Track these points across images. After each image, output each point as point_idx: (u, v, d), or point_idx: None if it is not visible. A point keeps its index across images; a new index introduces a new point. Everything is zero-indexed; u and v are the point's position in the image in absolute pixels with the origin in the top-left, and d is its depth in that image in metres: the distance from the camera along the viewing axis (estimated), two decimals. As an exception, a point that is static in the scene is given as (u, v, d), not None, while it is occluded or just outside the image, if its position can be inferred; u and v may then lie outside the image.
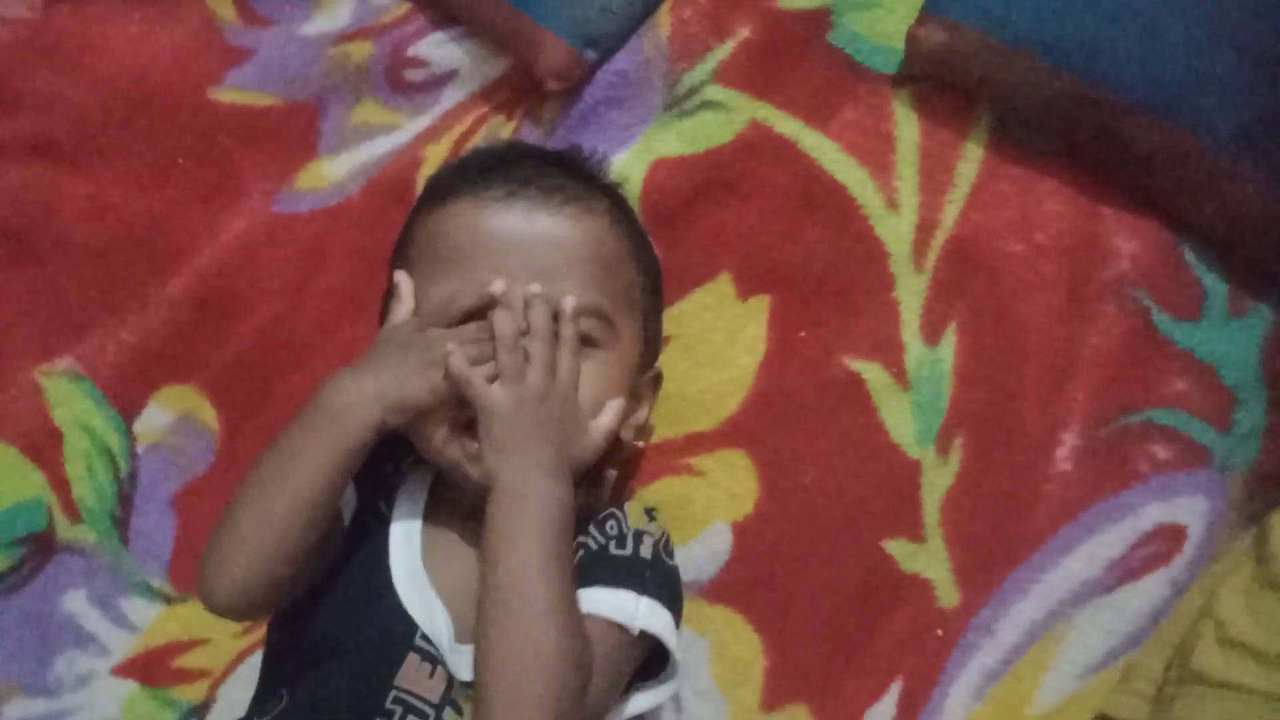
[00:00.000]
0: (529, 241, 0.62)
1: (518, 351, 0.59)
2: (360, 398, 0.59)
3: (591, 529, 0.63)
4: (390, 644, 0.59)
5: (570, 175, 0.66)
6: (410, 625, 0.60)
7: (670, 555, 0.65)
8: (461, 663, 0.59)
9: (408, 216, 0.69)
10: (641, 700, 0.62)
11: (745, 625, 0.69)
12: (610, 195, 0.68)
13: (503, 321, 0.59)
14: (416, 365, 0.60)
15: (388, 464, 0.66)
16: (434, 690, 0.58)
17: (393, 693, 0.58)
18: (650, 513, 0.66)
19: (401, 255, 0.68)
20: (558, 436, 0.59)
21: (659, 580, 0.62)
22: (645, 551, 0.62)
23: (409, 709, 0.58)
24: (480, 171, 0.65)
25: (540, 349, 0.59)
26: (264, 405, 0.80)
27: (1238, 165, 0.65)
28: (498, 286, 0.60)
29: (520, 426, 0.58)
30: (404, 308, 0.63)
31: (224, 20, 0.84)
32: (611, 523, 0.64)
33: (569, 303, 0.61)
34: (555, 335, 0.60)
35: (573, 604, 0.57)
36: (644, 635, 0.60)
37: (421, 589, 0.61)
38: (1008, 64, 0.68)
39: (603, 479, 0.66)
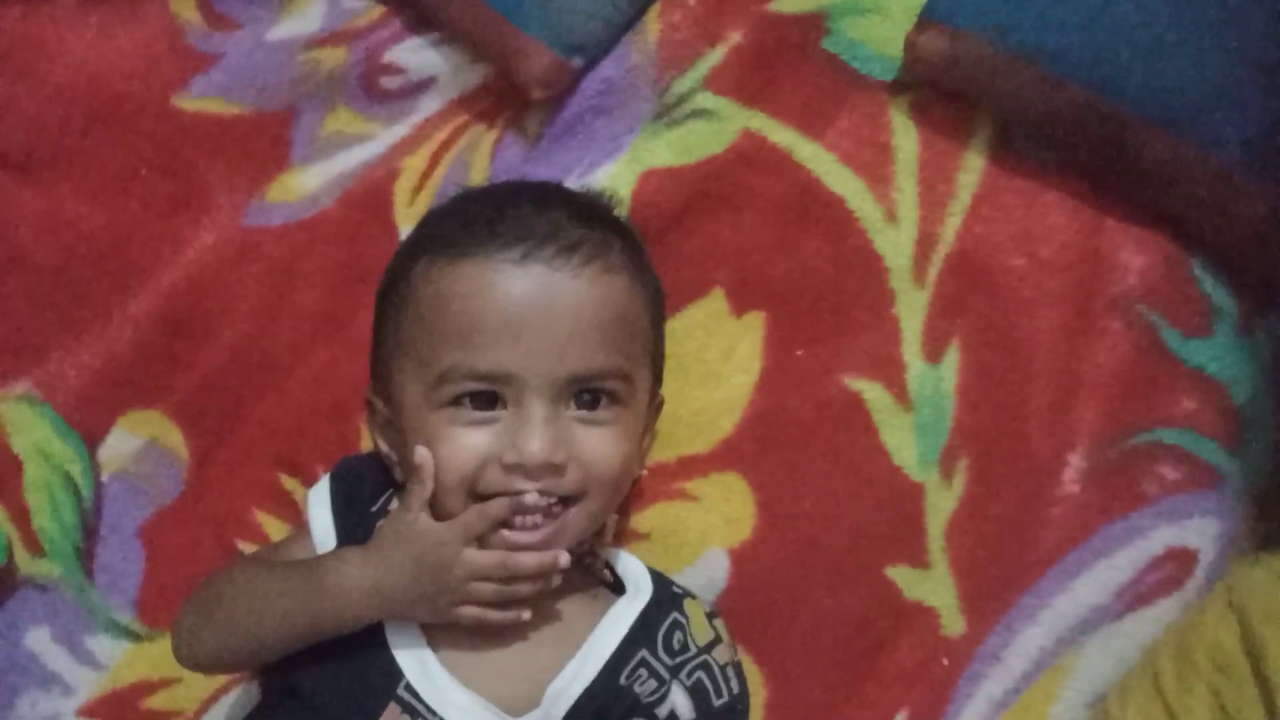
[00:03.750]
0: (548, 311, 0.58)
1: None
2: (361, 597, 0.57)
3: (660, 651, 0.60)
4: (370, 692, 0.57)
5: (585, 223, 0.62)
6: (395, 674, 0.57)
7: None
8: None
9: (399, 260, 0.64)
10: None
11: (744, 656, 0.67)
12: (624, 236, 0.65)
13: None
14: (433, 591, 0.57)
15: (371, 504, 0.63)
16: None
17: None
18: (712, 617, 0.63)
19: (398, 307, 0.62)
20: None
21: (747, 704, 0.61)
22: (735, 685, 0.61)
23: None
24: (488, 223, 0.60)
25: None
26: (235, 431, 0.76)
27: (1247, 179, 0.64)
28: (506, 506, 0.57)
29: None
30: (424, 493, 0.58)
31: (187, 23, 0.80)
32: (678, 636, 0.61)
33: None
34: None
35: None
36: None
37: (413, 638, 0.58)
38: (1010, 73, 0.67)
39: (604, 525, 0.64)
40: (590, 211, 0.64)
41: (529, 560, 0.57)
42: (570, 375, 0.58)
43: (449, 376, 0.58)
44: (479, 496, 0.58)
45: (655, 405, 0.67)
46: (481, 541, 0.57)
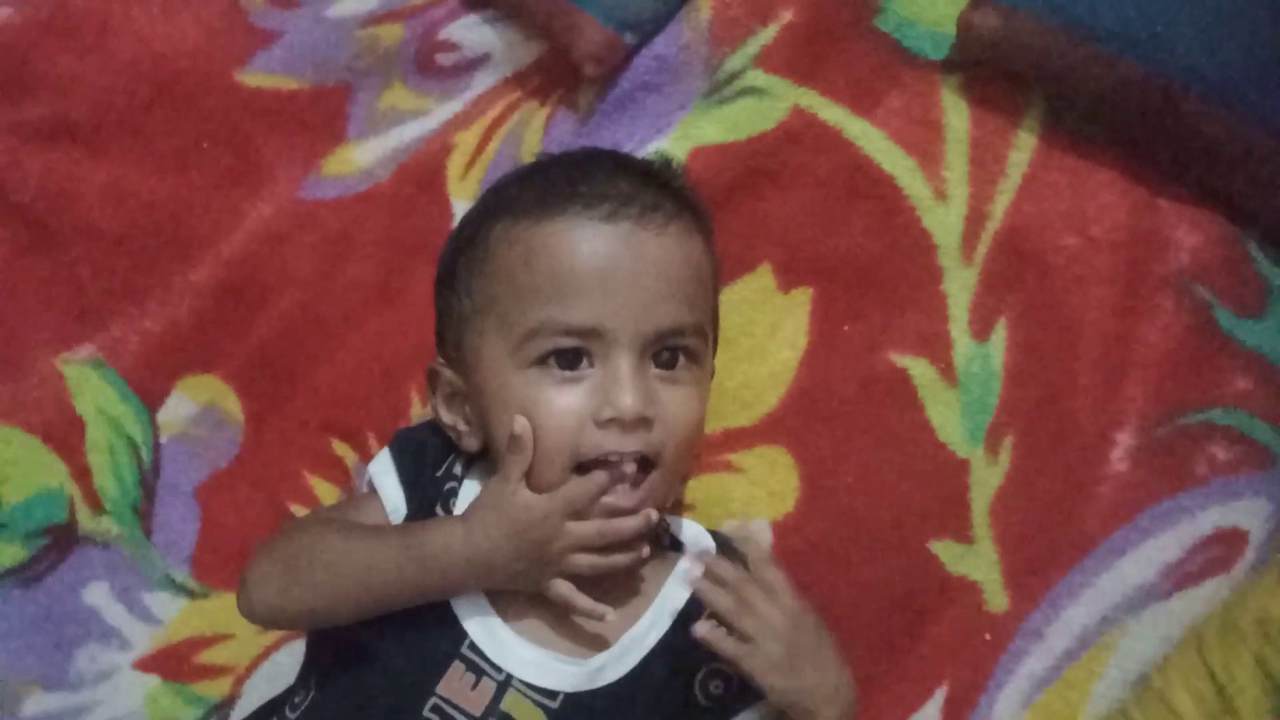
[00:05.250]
0: (636, 266, 0.59)
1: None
2: (464, 567, 0.57)
3: None
4: (435, 650, 0.58)
5: (660, 187, 0.62)
6: (459, 633, 0.58)
7: None
8: (567, 673, 0.58)
9: (471, 225, 0.64)
10: None
11: (785, 627, 0.68)
12: (693, 206, 0.65)
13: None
14: (535, 564, 0.57)
15: (438, 468, 0.64)
16: (477, 703, 0.57)
17: (432, 700, 0.57)
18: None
19: (473, 271, 0.62)
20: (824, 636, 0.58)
21: None
22: None
23: (448, 719, 0.56)
24: (569, 184, 0.60)
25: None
26: (290, 396, 0.78)
27: (1306, 157, 0.63)
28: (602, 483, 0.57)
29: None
30: (524, 464, 0.57)
31: (249, 1, 0.82)
32: None
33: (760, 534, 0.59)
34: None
35: None
36: None
37: (476, 598, 0.59)
38: (1065, 50, 0.66)
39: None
40: (662, 176, 0.64)
41: (627, 524, 0.57)
42: (657, 330, 0.59)
43: (539, 332, 0.58)
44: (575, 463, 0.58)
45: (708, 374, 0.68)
46: (578, 513, 0.58)
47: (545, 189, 0.61)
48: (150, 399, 0.78)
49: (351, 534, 0.60)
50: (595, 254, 0.59)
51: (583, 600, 0.57)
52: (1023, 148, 0.70)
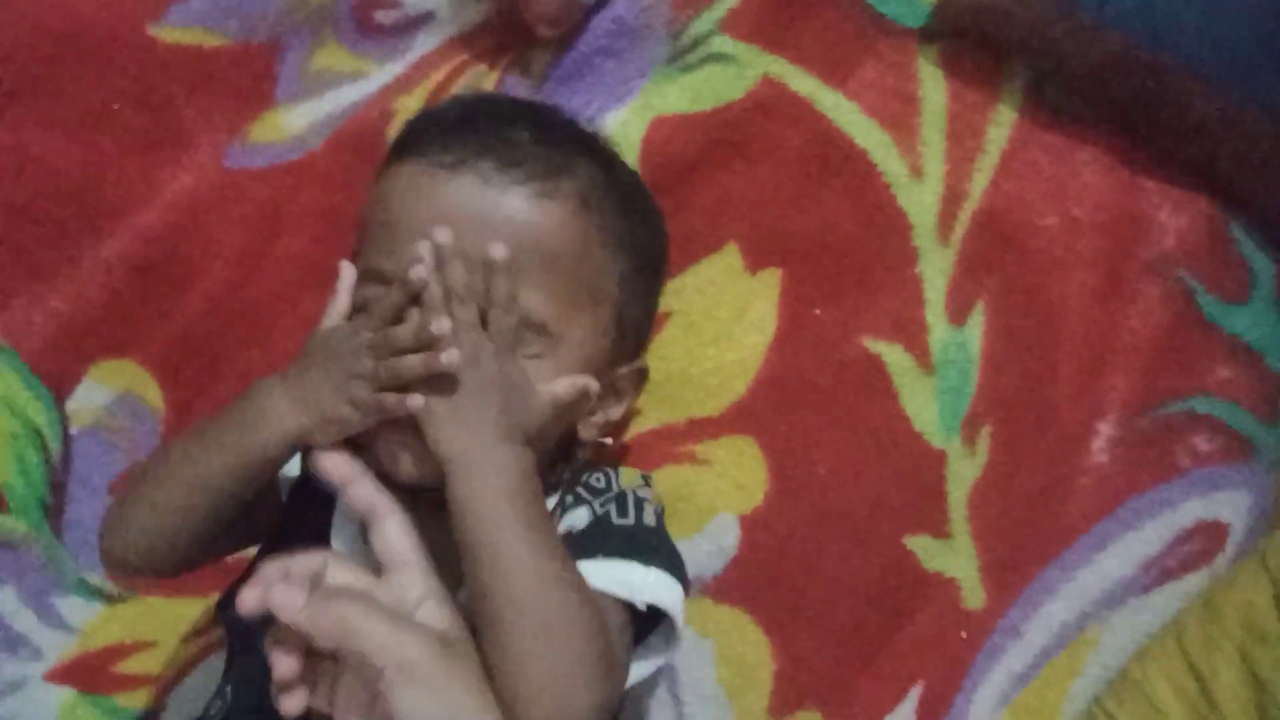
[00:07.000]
0: (471, 222, 0.55)
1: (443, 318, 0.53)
2: (282, 411, 0.55)
3: (579, 489, 0.59)
4: None
5: (548, 142, 0.58)
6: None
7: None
8: None
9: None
10: (635, 670, 0.57)
11: (753, 626, 0.65)
12: (600, 163, 0.60)
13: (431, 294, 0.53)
14: (341, 379, 0.54)
15: None
16: None
17: None
18: (646, 478, 0.61)
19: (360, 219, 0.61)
20: (500, 399, 0.53)
21: (666, 550, 0.58)
22: (649, 519, 0.58)
23: None
24: (440, 129, 0.58)
25: (461, 312, 0.53)
26: (214, 382, 0.73)
27: (1294, 137, 0.61)
28: (417, 272, 0.53)
29: (460, 395, 0.53)
30: (338, 306, 0.57)
31: (165, -54, 0.75)
32: (598, 476, 0.59)
33: (498, 252, 0.54)
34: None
35: (573, 570, 0.52)
36: (649, 609, 0.55)
37: (355, 533, 0.56)
38: (1049, 20, 0.64)
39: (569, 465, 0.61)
40: (565, 137, 0.60)
41: (413, 361, 0.53)
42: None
43: (362, 279, 0.57)
44: None
45: (632, 372, 0.63)
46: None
47: (417, 131, 0.59)
48: (58, 386, 0.73)
49: (190, 429, 0.58)
50: (422, 203, 0.56)
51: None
52: (1002, 123, 0.68)
